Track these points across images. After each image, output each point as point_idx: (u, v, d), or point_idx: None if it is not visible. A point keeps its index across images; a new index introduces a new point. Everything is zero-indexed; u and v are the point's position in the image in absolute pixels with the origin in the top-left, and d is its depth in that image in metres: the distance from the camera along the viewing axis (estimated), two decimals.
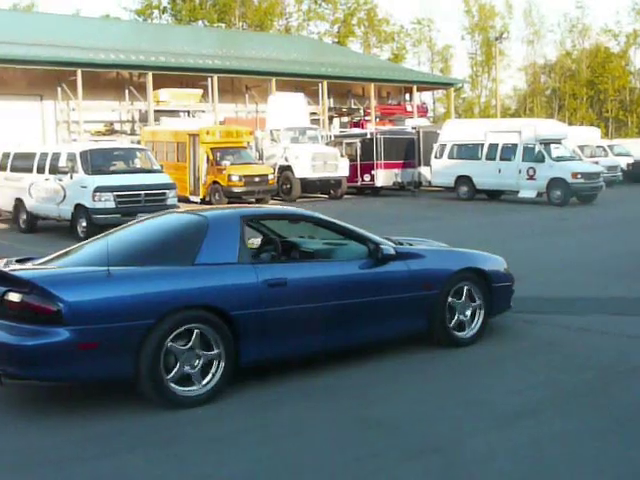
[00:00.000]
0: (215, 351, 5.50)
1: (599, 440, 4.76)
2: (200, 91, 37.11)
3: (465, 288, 7.02)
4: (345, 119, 45.06)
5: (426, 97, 57.35)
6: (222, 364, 5.54)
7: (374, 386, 5.95)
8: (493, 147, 24.80)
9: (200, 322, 5.46)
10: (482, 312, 7.10)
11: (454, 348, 6.85)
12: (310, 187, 26.63)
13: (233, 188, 23.74)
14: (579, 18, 73.59)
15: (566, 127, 29.76)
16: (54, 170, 17.02)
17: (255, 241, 7.21)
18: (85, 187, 16.17)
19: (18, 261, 6.24)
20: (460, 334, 6.97)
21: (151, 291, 5.39)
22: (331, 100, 42.61)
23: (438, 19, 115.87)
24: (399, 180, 28.73)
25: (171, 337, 5.32)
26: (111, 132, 35.38)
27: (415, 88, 45.58)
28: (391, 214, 21.71)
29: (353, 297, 6.34)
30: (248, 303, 5.70)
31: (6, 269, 5.65)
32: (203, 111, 36.68)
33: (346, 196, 27.79)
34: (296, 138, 27.36)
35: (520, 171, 23.87)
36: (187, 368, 5.41)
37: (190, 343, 5.41)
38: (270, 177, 24.62)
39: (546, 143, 23.80)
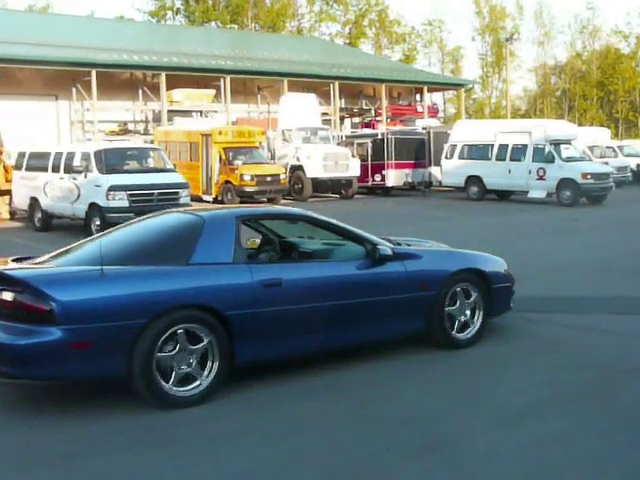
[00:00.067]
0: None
1: (602, 439, 4.73)
2: (213, 91, 37.36)
3: (464, 289, 6.94)
4: (356, 119, 45.23)
5: (437, 98, 57.42)
6: (216, 364, 5.49)
7: (374, 386, 5.91)
8: (503, 148, 24.88)
9: (194, 322, 5.41)
10: (481, 313, 7.02)
11: (454, 349, 6.80)
12: (321, 187, 26.77)
13: (245, 187, 23.90)
14: (589, 19, 73.64)
15: (576, 128, 29.73)
16: (69, 169, 17.11)
17: (256, 241, 7.23)
18: (99, 186, 16.27)
19: (15, 260, 6.20)
20: (459, 335, 6.90)
21: (144, 291, 5.35)
22: (342, 101, 42.78)
23: (449, 20, 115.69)
24: (410, 180, 28.85)
25: (165, 336, 5.27)
26: (125, 132, 35.67)
27: (426, 89, 45.74)
28: (402, 214, 21.82)
29: (350, 297, 6.27)
30: (243, 303, 5.64)
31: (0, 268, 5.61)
32: (216, 111, 36.94)
33: (357, 196, 27.91)
34: (308, 138, 27.53)
35: (530, 171, 23.93)
36: (185, 368, 5.39)
37: (184, 343, 5.37)
38: (282, 177, 24.76)
39: (556, 144, 23.83)
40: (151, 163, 18.52)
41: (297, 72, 39.03)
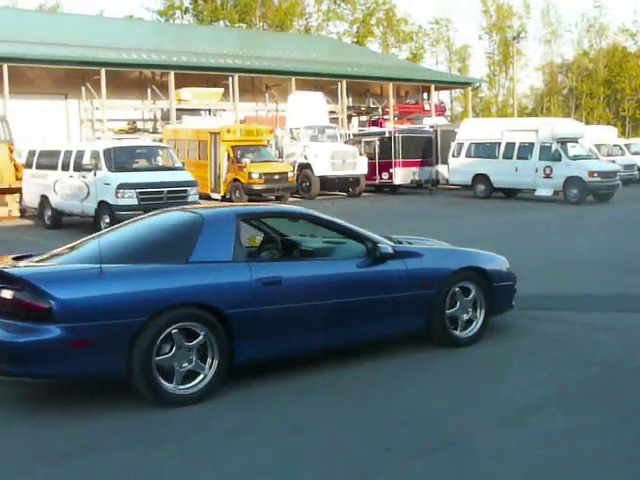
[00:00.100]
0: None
1: (606, 437, 4.71)
2: (221, 90, 37.46)
3: (465, 287, 6.91)
4: (364, 118, 45.33)
5: (444, 96, 57.41)
6: (215, 362, 5.48)
7: (375, 385, 5.88)
8: (510, 146, 24.92)
9: (193, 320, 5.40)
10: (483, 311, 6.99)
11: (455, 347, 6.77)
12: (329, 185, 26.87)
13: (253, 185, 23.99)
14: (596, 18, 73.57)
15: (583, 126, 29.76)
16: (78, 167, 17.23)
17: (257, 238, 7.26)
18: (108, 184, 16.39)
19: (15, 258, 6.19)
20: (460, 334, 6.87)
21: (143, 289, 5.34)
22: (350, 99, 42.85)
23: (456, 19, 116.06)
24: (417, 178, 28.90)
25: (163, 335, 5.27)
26: (134, 130, 35.82)
27: (433, 87, 45.77)
28: (409, 212, 21.93)
29: (350, 296, 6.25)
30: (242, 302, 5.63)
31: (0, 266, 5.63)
32: (224, 110, 37.03)
33: (364, 194, 27.99)
34: (315, 136, 27.64)
35: (537, 170, 23.96)
36: (175, 364, 5.36)
37: (181, 341, 5.36)
38: (290, 175, 24.84)
39: (563, 142, 23.87)
40: (160, 161, 18.63)
41: (305, 71, 39.12)
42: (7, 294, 5.22)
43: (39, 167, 19.18)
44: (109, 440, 4.81)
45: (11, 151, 21.74)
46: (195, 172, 20.75)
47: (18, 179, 20.63)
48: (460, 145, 26.64)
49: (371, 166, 28.11)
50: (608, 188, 23.64)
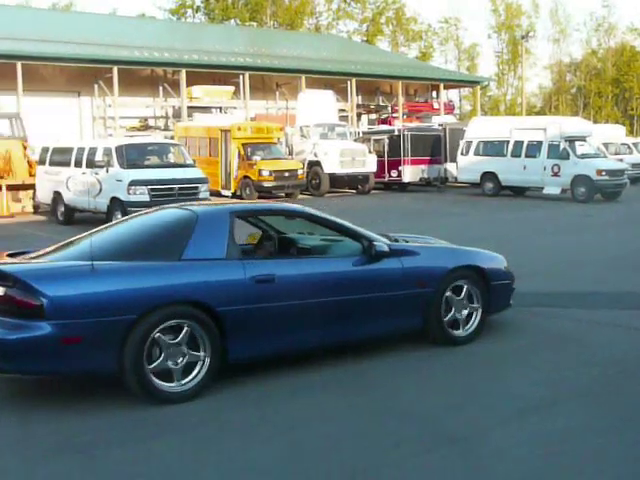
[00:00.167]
0: (201, 349, 5.45)
1: (603, 437, 4.67)
2: (232, 88, 37.62)
3: (462, 286, 6.85)
4: (373, 116, 45.43)
5: (453, 95, 57.43)
6: (207, 360, 5.45)
7: (372, 383, 5.83)
8: (518, 144, 24.98)
9: (185, 318, 5.36)
10: (480, 310, 6.93)
11: (451, 345, 6.70)
12: (338, 182, 27.01)
13: (263, 182, 24.15)
14: (605, 17, 73.60)
15: (591, 125, 29.82)
16: (91, 164, 17.38)
17: (256, 236, 7.27)
18: (120, 181, 16.56)
19: (10, 255, 6.14)
20: (457, 332, 6.80)
21: (135, 286, 5.30)
22: (359, 97, 42.97)
23: (465, 18, 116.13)
24: (426, 176, 28.99)
25: (155, 332, 5.24)
26: (145, 128, 35.95)
27: (442, 86, 45.89)
28: (418, 209, 22.05)
29: (345, 294, 6.19)
30: (235, 299, 5.59)
31: None
32: (235, 108, 37.21)
33: (373, 191, 28.10)
34: (325, 134, 27.78)
35: (545, 168, 24.00)
36: (170, 363, 5.34)
37: (176, 339, 5.34)
38: (299, 172, 24.99)
39: (571, 140, 23.91)
40: (171, 158, 18.76)
41: (315, 69, 39.28)
42: None
43: (52, 164, 19.33)
44: (103, 437, 4.79)
45: (25, 148, 22.02)
46: (206, 169, 20.83)
47: (32, 175, 20.85)
48: (469, 143, 26.74)
49: (380, 164, 28.21)
50: (616, 186, 23.64)
